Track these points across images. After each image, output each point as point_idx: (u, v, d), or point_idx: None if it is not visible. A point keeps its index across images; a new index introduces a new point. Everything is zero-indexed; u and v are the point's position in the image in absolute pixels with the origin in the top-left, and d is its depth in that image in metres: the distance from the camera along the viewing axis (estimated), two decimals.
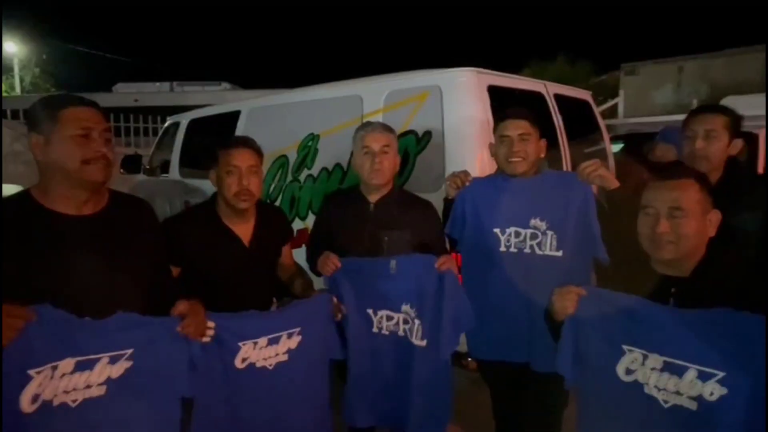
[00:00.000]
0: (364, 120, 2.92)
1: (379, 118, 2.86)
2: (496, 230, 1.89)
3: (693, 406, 1.13)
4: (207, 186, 4.12)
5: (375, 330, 1.85)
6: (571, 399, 1.92)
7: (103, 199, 1.41)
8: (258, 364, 1.58)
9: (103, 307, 1.27)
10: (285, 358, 1.62)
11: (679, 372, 1.15)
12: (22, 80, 20.72)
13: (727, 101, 6.63)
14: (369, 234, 1.91)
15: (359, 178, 1.99)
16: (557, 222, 1.81)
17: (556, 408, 1.92)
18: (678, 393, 1.15)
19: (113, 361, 1.27)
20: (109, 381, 1.26)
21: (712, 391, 1.10)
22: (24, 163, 9.46)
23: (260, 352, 1.57)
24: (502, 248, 1.88)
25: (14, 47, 20.30)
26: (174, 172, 4.71)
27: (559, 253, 1.81)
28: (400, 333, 1.81)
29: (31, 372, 1.11)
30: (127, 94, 13.31)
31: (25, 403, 1.10)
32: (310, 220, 3.21)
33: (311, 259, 2.01)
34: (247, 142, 1.82)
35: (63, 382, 1.18)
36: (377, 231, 1.90)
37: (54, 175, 1.30)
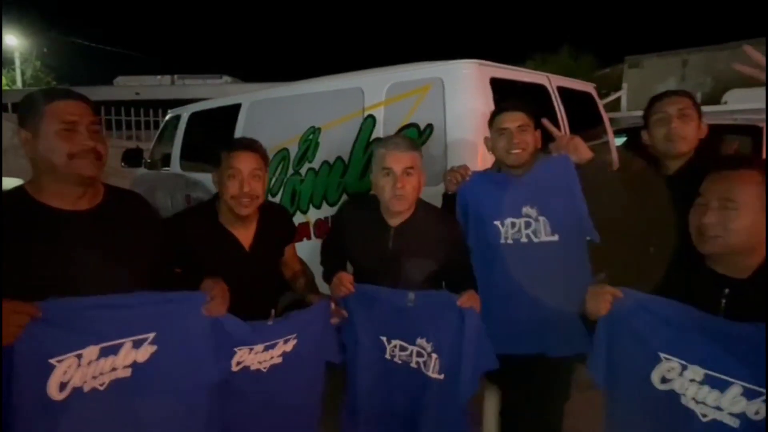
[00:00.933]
0: (366, 113, 2.91)
1: (380, 111, 2.84)
2: (497, 222, 1.87)
3: (734, 423, 1.07)
4: (208, 180, 4.11)
5: (387, 357, 1.76)
6: (575, 397, 1.92)
7: (99, 194, 1.40)
8: (252, 367, 1.57)
9: None
10: (279, 360, 1.61)
11: (722, 387, 1.08)
12: (23, 74, 20.67)
13: (732, 94, 6.58)
14: (387, 261, 1.80)
15: (379, 198, 1.83)
16: (546, 206, 1.80)
17: (559, 397, 1.92)
18: (718, 408, 1.08)
19: (137, 345, 1.28)
20: (134, 364, 1.28)
21: (758, 410, 1.04)
22: (25, 156, 9.47)
23: (255, 356, 1.57)
24: (502, 240, 1.87)
25: (15, 40, 20.24)
26: (175, 166, 4.70)
27: (555, 238, 1.80)
28: (413, 365, 1.72)
29: (53, 361, 1.13)
30: (128, 87, 13.28)
31: (54, 391, 1.13)
32: (312, 213, 3.20)
33: (324, 266, 1.94)
34: (251, 145, 1.75)
35: (91, 368, 1.20)
36: (396, 259, 1.78)
37: (44, 170, 1.28)
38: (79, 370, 1.18)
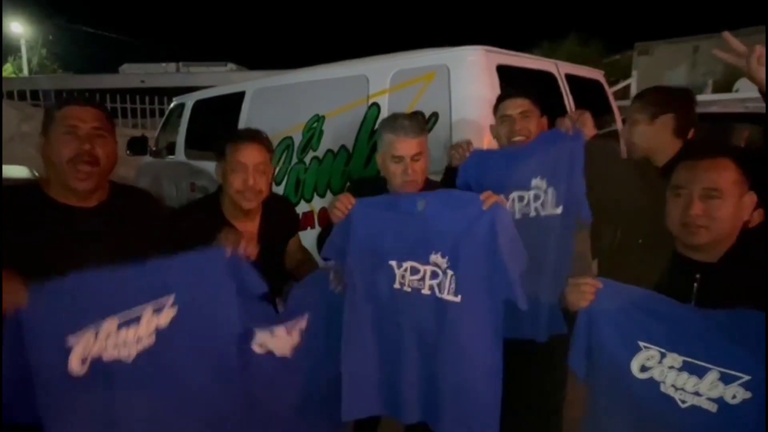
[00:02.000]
0: (371, 101, 2.88)
1: (385, 98, 2.81)
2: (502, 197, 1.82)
3: (713, 408, 1.09)
4: (213, 168, 4.11)
5: (397, 286, 1.51)
6: (576, 386, 1.91)
7: (105, 191, 1.44)
8: (278, 353, 1.52)
9: None
10: (297, 340, 1.56)
11: (700, 372, 1.10)
12: (29, 61, 20.70)
13: (743, 82, 6.47)
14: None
15: (388, 180, 1.79)
16: (554, 176, 1.74)
17: (557, 388, 1.90)
18: (697, 394, 1.10)
19: (157, 311, 1.26)
20: (157, 330, 1.26)
21: (735, 394, 1.06)
22: (32, 144, 9.52)
23: (277, 341, 1.52)
24: None
25: (20, 28, 20.25)
26: (180, 154, 4.69)
27: (559, 210, 1.74)
28: (425, 291, 1.47)
29: (70, 337, 1.12)
30: (133, 75, 13.29)
31: (75, 367, 1.12)
32: (316, 202, 3.19)
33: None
34: (256, 137, 1.71)
35: (111, 340, 1.19)
36: None
37: (53, 173, 1.35)
38: (97, 344, 1.16)
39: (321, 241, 1.92)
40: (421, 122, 1.78)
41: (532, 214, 1.77)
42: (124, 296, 1.22)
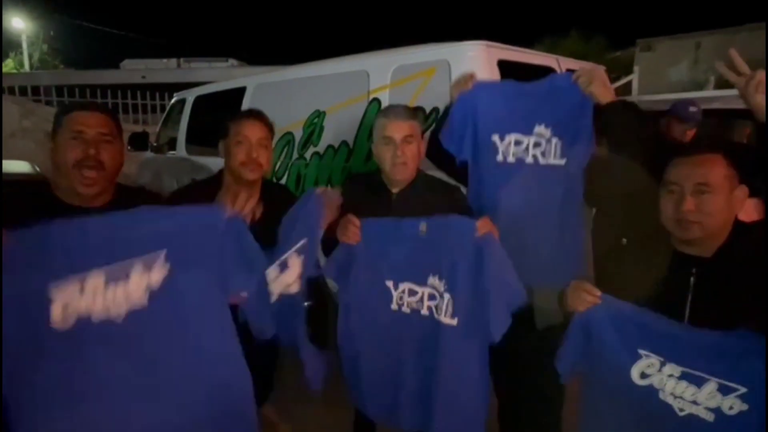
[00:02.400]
0: (371, 96, 2.88)
1: (385, 94, 2.81)
2: (495, 138, 1.76)
3: (710, 417, 1.10)
4: (214, 163, 4.13)
5: (394, 307, 1.61)
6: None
7: (110, 192, 1.47)
8: (404, 309, 1.55)
9: None
10: (296, 288, 1.55)
11: (698, 382, 1.12)
12: (30, 57, 20.69)
13: None
14: None
15: (380, 167, 1.80)
16: (559, 126, 1.68)
17: (558, 390, 1.89)
18: (695, 402, 1.12)
19: (148, 266, 1.16)
20: (149, 289, 1.17)
21: (732, 405, 1.08)
22: (33, 140, 9.54)
23: (279, 283, 1.51)
24: (499, 158, 1.75)
25: (21, 23, 20.23)
26: (181, 149, 4.70)
27: (563, 162, 1.69)
28: (424, 311, 1.57)
29: (51, 289, 1.04)
30: (134, 70, 13.28)
31: (57, 319, 1.05)
32: None
33: (324, 246, 1.84)
34: (259, 115, 1.80)
35: (99, 297, 1.11)
36: None
37: (59, 175, 1.39)
38: (83, 299, 1.09)
39: (324, 243, 1.90)
40: (413, 110, 1.81)
41: (529, 160, 1.72)
42: (112, 247, 1.12)
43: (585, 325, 1.26)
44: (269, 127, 1.81)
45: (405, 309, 1.60)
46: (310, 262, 1.53)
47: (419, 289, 1.57)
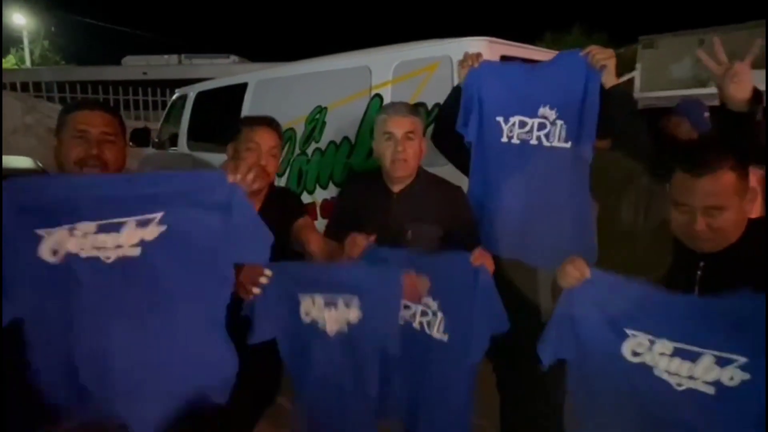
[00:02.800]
0: (373, 92, 2.88)
1: (387, 90, 2.81)
2: (499, 119, 1.76)
3: (710, 390, 1.09)
4: (215, 159, 4.13)
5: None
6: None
7: None
8: (320, 325, 1.50)
9: None
10: (345, 329, 1.50)
11: (692, 357, 1.10)
12: (31, 53, 20.69)
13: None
14: (390, 228, 1.73)
15: (381, 164, 1.78)
16: (565, 109, 1.68)
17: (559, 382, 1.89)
18: (692, 378, 1.11)
19: (142, 224, 1.15)
20: (143, 243, 1.16)
21: (732, 376, 1.06)
22: (36, 136, 9.54)
23: (319, 312, 1.49)
24: (504, 139, 1.76)
25: (23, 19, 20.21)
26: (182, 145, 4.70)
27: (568, 145, 1.69)
28: (416, 325, 1.61)
29: (41, 231, 1.08)
30: (135, 67, 13.26)
31: (46, 254, 1.09)
32: (318, 194, 3.19)
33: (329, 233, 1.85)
34: (272, 123, 1.77)
35: (88, 240, 1.12)
36: (400, 225, 1.72)
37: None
38: (72, 240, 1.10)
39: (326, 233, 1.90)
40: (415, 107, 1.81)
41: (533, 142, 1.72)
42: (106, 205, 1.13)
43: (570, 306, 1.24)
44: (280, 136, 1.78)
45: (399, 321, 1.61)
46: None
47: (413, 306, 1.61)
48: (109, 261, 1.14)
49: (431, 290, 1.56)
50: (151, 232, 1.16)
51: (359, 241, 1.63)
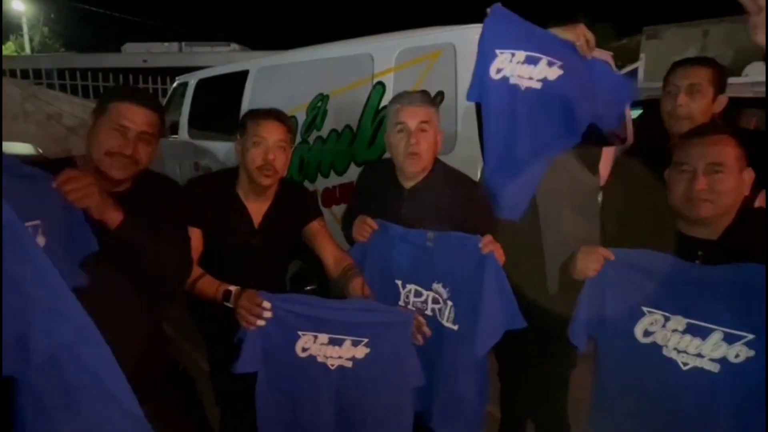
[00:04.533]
0: (375, 80, 2.85)
1: (390, 77, 2.78)
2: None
3: (715, 368, 1.13)
4: (216, 147, 4.12)
5: (402, 303, 1.62)
6: (579, 366, 1.90)
7: (132, 180, 1.42)
8: (319, 359, 1.47)
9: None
10: (349, 365, 1.48)
11: (703, 334, 1.14)
12: (31, 40, 20.55)
13: (753, 67, 6.36)
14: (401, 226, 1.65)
15: (393, 158, 1.70)
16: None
17: (564, 366, 1.87)
18: (699, 355, 1.14)
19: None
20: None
21: (738, 353, 1.10)
22: (35, 123, 9.52)
23: (321, 348, 1.46)
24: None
25: (22, 6, 20.05)
26: (183, 133, 4.68)
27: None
28: (428, 312, 1.57)
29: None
30: (135, 54, 13.18)
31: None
32: (320, 182, 3.18)
33: (345, 231, 1.81)
34: (279, 115, 1.69)
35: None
36: (409, 224, 1.62)
37: (89, 157, 1.34)
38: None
39: (345, 220, 1.85)
40: (430, 97, 1.71)
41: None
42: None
43: (594, 290, 1.27)
44: (289, 128, 1.70)
45: (411, 307, 1.59)
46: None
47: (424, 292, 1.58)
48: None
49: (442, 277, 1.54)
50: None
51: (368, 223, 1.62)
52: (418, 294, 1.59)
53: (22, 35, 20.27)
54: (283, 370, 1.46)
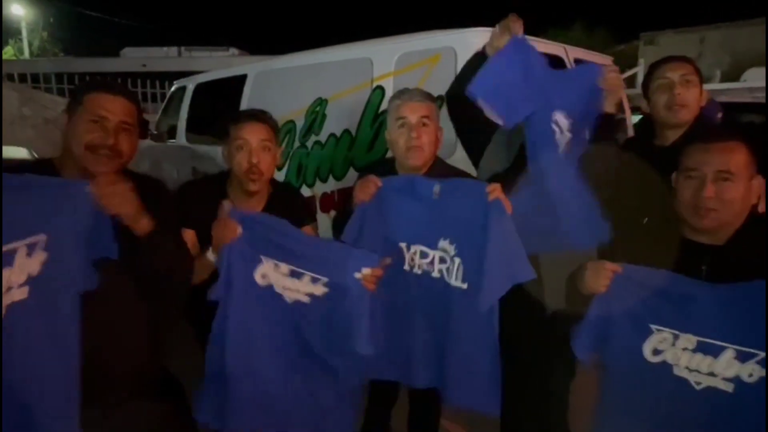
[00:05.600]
0: (374, 84, 2.84)
1: (389, 81, 2.77)
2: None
3: (729, 387, 1.09)
4: (214, 152, 4.10)
5: (407, 268, 1.57)
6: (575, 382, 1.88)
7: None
8: (276, 289, 1.46)
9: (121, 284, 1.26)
10: (306, 299, 1.46)
11: (715, 352, 1.10)
12: (30, 44, 20.56)
13: (750, 73, 6.38)
14: None
15: (394, 154, 1.72)
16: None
17: (565, 371, 1.86)
18: (712, 374, 1.10)
19: (30, 252, 1.06)
20: (30, 280, 1.07)
21: (752, 371, 1.06)
22: (32, 127, 9.49)
23: (280, 278, 1.45)
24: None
25: (21, 10, 20.07)
26: (181, 138, 4.66)
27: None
28: (435, 274, 1.54)
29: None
30: (134, 59, 13.19)
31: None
32: (318, 187, 3.16)
33: (336, 233, 1.77)
34: (259, 116, 1.68)
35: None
36: None
37: (68, 153, 1.30)
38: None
39: (335, 224, 1.84)
40: (430, 94, 1.71)
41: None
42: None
43: (602, 307, 1.23)
44: (272, 127, 1.69)
45: (416, 270, 1.57)
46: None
47: (430, 252, 1.54)
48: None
49: (448, 232, 1.50)
50: (35, 263, 1.08)
51: (372, 181, 1.56)
52: (424, 255, 1.55)
53: (21, 39, 20.27)
54: (240, 296, 1.44)
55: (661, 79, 1.70)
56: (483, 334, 1.47)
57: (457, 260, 1.49)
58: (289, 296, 1.46)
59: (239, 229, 1.42)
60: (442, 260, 1.52)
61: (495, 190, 1.41)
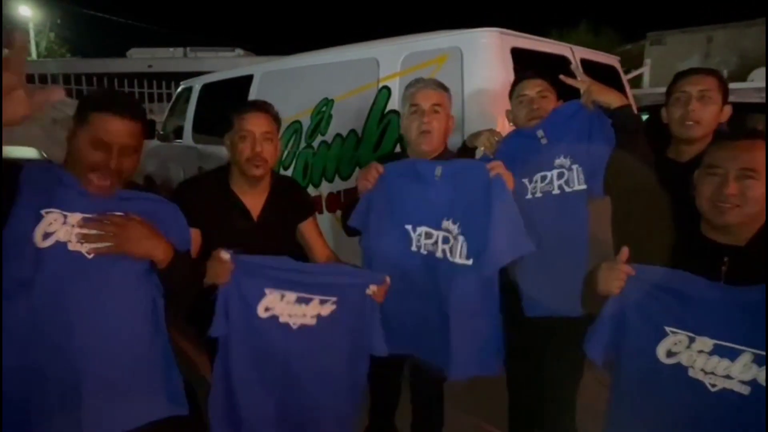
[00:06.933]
0: (381, 84, 2.84)
1: (396, 82, 2.77)
2: (524, 180, 1.75)
3: (745, 390, 1.07)
4: (221, 152, 4.11)
5: (414, 249, 1.62)
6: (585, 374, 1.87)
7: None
8: (281, 319, 1.47)
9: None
10: (312, 322, 1.49)
11: (732, 355, 1.08)
12: (37, 45, 20.69)
13: (757, 73, 6.34)
14: None
15: (407, 141, 1.81)
16: (577, 153, 1.69)
17: (573, 373, 1.85)
18: (728, 377, 1.09)
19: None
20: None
21: None
22: (40, 127, 9.55)
23: (286, 307, 1.47)
24: (528, 196, 1.74)
25: (29, 11, 20.22)
26: (187, 138, 4.68)
27: (585, 187, 1.69)
28: (438, 254, 1.58)
29: (43, 212, 1.19)
30: (141, 59, 13.26)
31: (38, 239, 1.18)
32: (324, 187, 3.16)
33: (345, 221, 1.83)
34: (263, 107, 1.72)
35: (75, 231, 1.22)
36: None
37: (72, 165, 1.29)
38: (64, 229, 1.20)
39: (344, 220, 1.84)
40: (443, 84, 1.80)
41: (555, 191, 1.72)
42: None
43: (618, 308, 1.22)
44: (275, 119, 1.73)
45: (423, 251, 1.62)
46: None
47: (435, 233, 1.59)
48: (89, 258, 1.25)
49: (451, 212, 1.56)
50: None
51: (375, 167, 1.64)
52: (428, 236, 1.61)
53: (28, 41, 20.41)
54: (240, 333, 1.44)
55: (678, 93, 1.68)
56: (485, 305, 1.55)
57: (460, 238, 1.54)
58: (295, 322, 1.48)
59: (231, 266, 1.42)
60: (445, 240, 1.58)
61: (497, 167, 1.48)
